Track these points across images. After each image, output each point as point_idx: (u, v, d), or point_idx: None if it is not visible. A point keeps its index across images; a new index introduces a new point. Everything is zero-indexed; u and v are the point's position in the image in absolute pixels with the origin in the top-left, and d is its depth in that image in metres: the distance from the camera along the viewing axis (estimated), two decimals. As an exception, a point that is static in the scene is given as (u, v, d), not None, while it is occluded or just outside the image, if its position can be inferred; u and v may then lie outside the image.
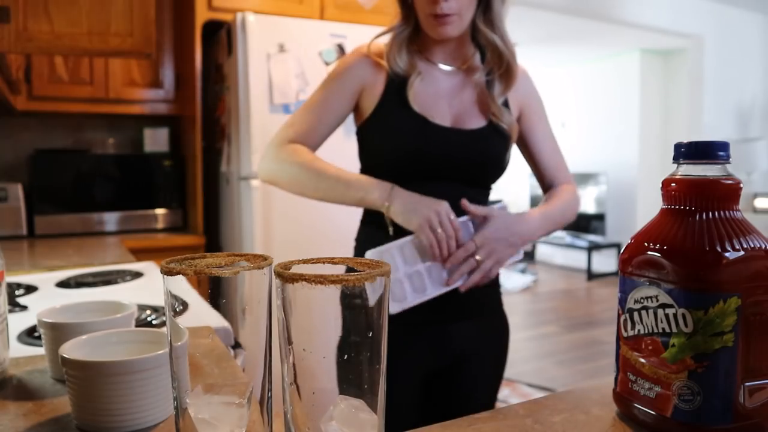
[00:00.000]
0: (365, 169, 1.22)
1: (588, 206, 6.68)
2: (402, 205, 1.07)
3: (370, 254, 1.06)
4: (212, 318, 0.87)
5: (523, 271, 6.51)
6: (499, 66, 1.18)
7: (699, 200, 0.52)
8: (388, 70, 1.17)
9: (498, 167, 1.21)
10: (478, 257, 1.06)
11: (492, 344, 1.25)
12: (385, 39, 1.20)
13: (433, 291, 1.08)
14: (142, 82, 2.73)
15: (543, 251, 7.54)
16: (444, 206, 1.05)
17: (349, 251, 1.25)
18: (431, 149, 1.13)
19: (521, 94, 1.24)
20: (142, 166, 2.80)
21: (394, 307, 1.05)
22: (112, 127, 2.94)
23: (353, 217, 1.30)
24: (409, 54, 1.18)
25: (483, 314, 1.23)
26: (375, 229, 1.16)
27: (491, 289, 1.23)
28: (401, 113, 1.14)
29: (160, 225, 2.78)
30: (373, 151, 1.20)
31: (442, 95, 1.18)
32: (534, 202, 7.38)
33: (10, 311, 1.07)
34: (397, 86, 1.15)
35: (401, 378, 1.13)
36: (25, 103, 2.48)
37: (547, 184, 1.30)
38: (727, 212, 0.52)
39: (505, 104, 1.20)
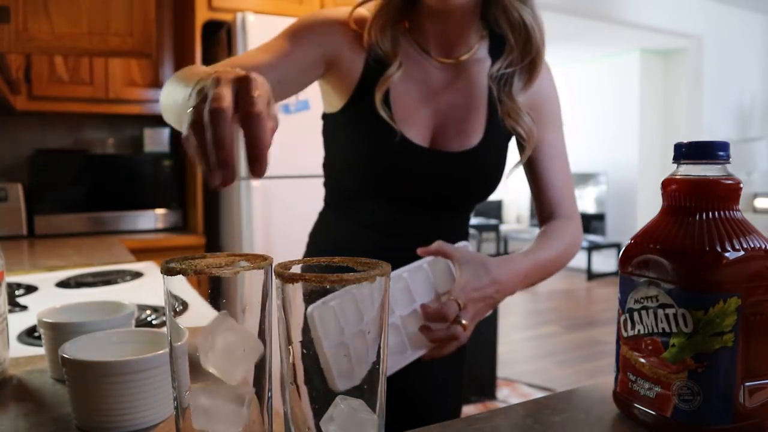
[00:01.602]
0: (326, 171, 1.03)
1: (588, 206, 6.68)
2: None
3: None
4: (212, 318, 0.87)
5: (523, 271, 6.50)
6: (526, 54, 0.91)
7: (699, 200, 0.52)
8: (367, 52, 0.91)
9: (488, 190, 0.98)
10: (464, 321, 0.78)
11: (453, 376, 1.05)
12: (371, 7, 0.92)
13: (412, 355, 0.82)
14: (142, 82, 2.73)
15: (543, 251, 7.53)
16: (223, 82, 0.50)
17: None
18: (399, 172, 0.90)
19: (535, 92, 0.95)
20: (142, 166, 2.80)
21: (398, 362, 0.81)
22: (112, 127, 2.94)
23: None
24: (395, 34, 0.91)
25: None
26: (336, 216, 0.99)
27: None
28: (369, 118, 0.90)
29: (160, 225, 2.78)
30: (333, 155, 1.00)
31: (427, 97, 0.93)
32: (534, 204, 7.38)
33: (10, 311, 1.07)
34: (374, 77, 0.90)
35: None
36: (25, 103, 2.48)
37: (546, 212, 1.01)
38: (727, 212, 0.52)
39: None
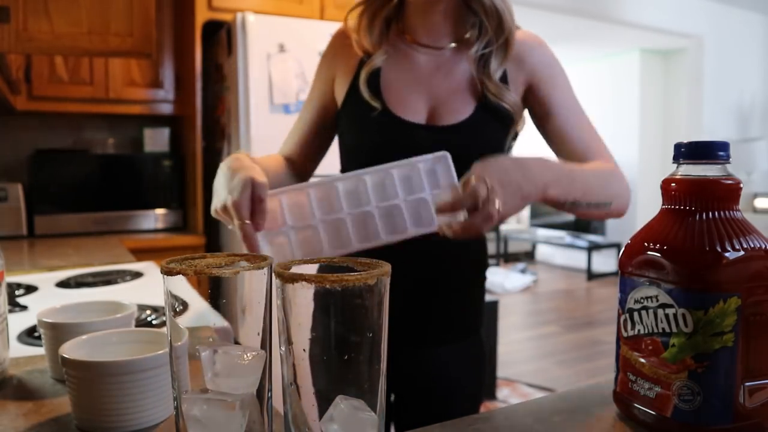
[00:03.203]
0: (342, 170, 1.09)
1: (588, 206, 6.68)
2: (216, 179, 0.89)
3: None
4: (212, 318, 0.87)
5: (523, 271, 6.51)
6: (499, 35, 0.97)
7: (699, 200, 0.52)
8: (363, 53, 1.01)
9: None
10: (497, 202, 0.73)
11: (470, 377, 1.06)
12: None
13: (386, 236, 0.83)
14: (142, 82, 2.73)
15: (543, 251, 7.54)
16: (241, 198, 0.81)
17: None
18: (398, 152, 0.90)
19: (530, 65, 0.99)
20: (142, 166, 2.80)
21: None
22: (112, 127, 2.94)
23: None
24: (383, 31, 1.00)
25: (465, 338, 1.05)
26: None
27: (477, 306, 1.06)
28: (364, 106, 0.97)
29: (160, 225, 2.78)
30: (342, 151, 1.07)
31: (418, 83, 0.99)
32: (534, 204, 7.37)
33: (10, 311, 1.07)
34: (366, 80, 0.99)
35: None
36: (25, 103, 2.48)
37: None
38: (727, 212, 0.52)
39: (503, 81, 0.99)
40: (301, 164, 1.10)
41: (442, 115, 0.98)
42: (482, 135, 0.98)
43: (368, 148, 0.99)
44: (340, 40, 1.05)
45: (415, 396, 1.03)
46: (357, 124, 1.00)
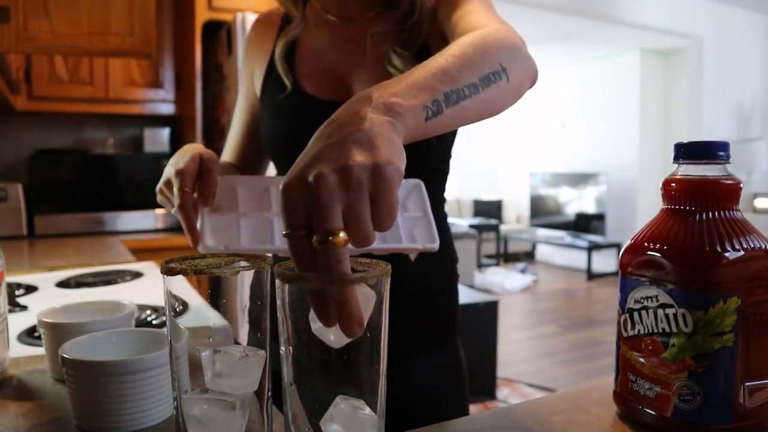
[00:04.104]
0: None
1: (588, 206, 6.69)
2: None
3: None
4: (212, 318, 0.87)
5: (523, 271, 6.51)
6: (412, 13, 0.89)
7: (699, 200, 0.52)
8: (276, 32, 0.96)
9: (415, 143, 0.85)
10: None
11: (450, 386, 0.98)
12: None
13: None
14: (142, 82, 2.73)
15: (543, 251, 7.54)
16: (187, 165, 0.70)
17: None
18: (311, 132, 0.82)
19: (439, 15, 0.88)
20: (142, 166, 2.80)
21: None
22: (112, 127, 2.94)
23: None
24: (300, 4, 0.95)
25: (440, 346, 0.95)
26: None
27: (449, 311, 0.97)
28: (278, 87, 0.91)
29: (160, 225, 2.78)
30: (264, 140, 0.97)
31: (330, 59, 0.93)
32: (534, 202, 7.39)
33: (10, 311, 1.07)
34: (282, 52, 0.93)
35: None
36: (25, 103, 2.48)
37: None
38: (727, 212, 0.52)
39: (425, 51, 0.87)
40: (247, 171, 1.03)
41: (348, 92, 0.89)
42: None
43: (284, 131, 0.90)
44: (254, 30, 1.00)
45: (394, 413, 0.90)
46: (271, 107, 0.93)
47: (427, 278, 0.94)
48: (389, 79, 0.59)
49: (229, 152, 1.03)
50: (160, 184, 0.75)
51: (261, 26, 1.00)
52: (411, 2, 0.89)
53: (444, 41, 0.83)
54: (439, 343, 0.96)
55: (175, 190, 0.68)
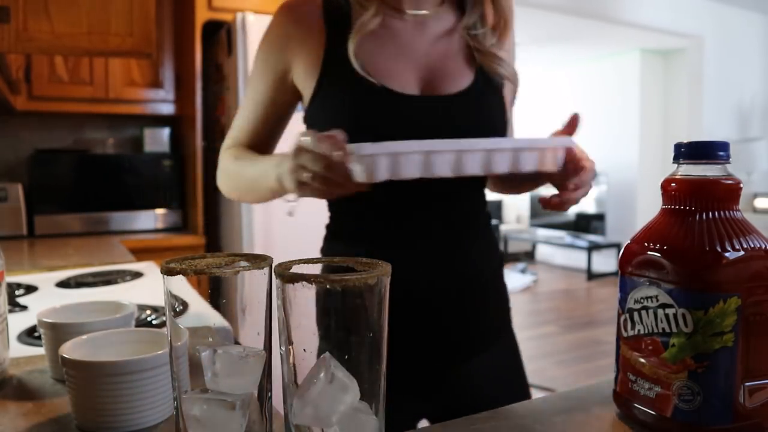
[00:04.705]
0: None
1: (588, 206, 6.69)
2: (285, 168, 0.77)
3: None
4: (212, 318, 0.87)
5: (523, 271, 6.51)
6: (497, 12, 0.93)
7: (699, 200, 0.52)
8: (322, 23, 0.89)
9: (494, 136, 0.89)
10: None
11: (512, 381, 1.00)
12: None
13: None
14: (142, 82, 2.73)
15: (543, 251, 7.54)
16: (305, 139, 0.72)
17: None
18: (394, 129, 0.82)
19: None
20: (142, 166, 2.80)
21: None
22: (112, 127, 2.94)
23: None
24: None
25: (500, 338, 0.97)
26: (344, 245, 0.93)
27: (506, 303, 0.99)
28: (348, 83, 0.85)
29: (160, 225, 2.78)
30: None
31: (404, 52, 0.89)
32: (534, 202, 7.39)
33: (10, 311, 1.07)
34: (341, 44, 0.86)
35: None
36: (25, 103, 2.48)
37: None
38: (727, 212, 0.52)
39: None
40: (257, 151, 1.00)
41: (439, 85, 0.88)
42: (487, 104, 0.90)
43: (361, 129, 0.83)
44: (289, 17, 0.91)
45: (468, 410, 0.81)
46: (343, 104, 0.86)
47: (483, 274, 0.94)
48: (468, 70, 0.89)
49: (240, 133, 1.00)
50: (294, 165, 0.73)
51: (296, 14, 0.91)
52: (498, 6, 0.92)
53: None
54: (502, 333, 0.98)
55: (326, 149, 0.69)
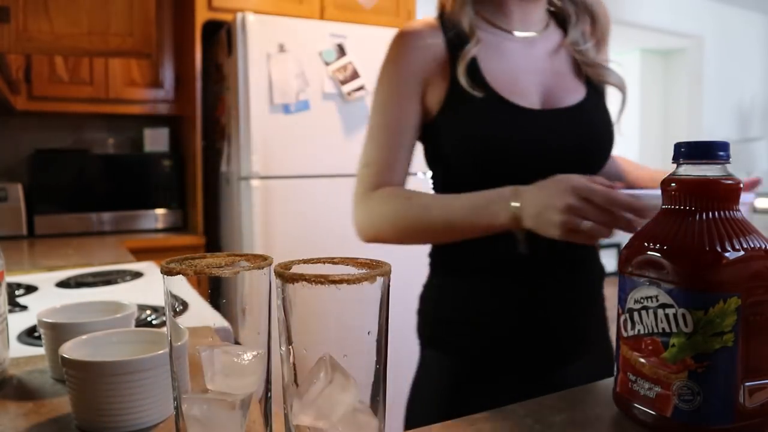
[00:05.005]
0: (438, 180, 1.01)
1: (588, 206, 6.67)
2: (532, 206, 0.77)
3: None
4: (212, 318, 0.87)
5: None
6: (595, 23, 1.00)
7: (699, 200, 0.52)
8: (445, 47, 0.94)
9: (609, 146, 0.96)
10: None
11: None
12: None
13: None
14: (142, 82, 2.73)
15: (543, 251, 7.53)
16: (575, 180, 0.73)
17: (349, 251, 1.23)
18: (521, 142, 0.88)
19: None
20: (142, 166, 2.80)
21: None
22: (112, 127, 2.94)
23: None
24: (471, 16, 0.94)
25: (593, 351, 0.96)
26: (457, 279, 0.95)
27: (604, 312, 1.01)
28: (476, 99, 0.89)
29: (160, 225, 2.78)
30: (447, 156, 0.95)
31: (522, 69, 0.95)
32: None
33: (10, 311, 1.07)
34: (466, 65, 0.91)
35: None
36: (25, 103, 2.48)
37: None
38: (727, 212, 0.52)
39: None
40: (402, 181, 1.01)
41: (558, 98, 0.93)
42: (600, 113, 0.96)
43: (489, 142, 0.89)
44: (416, 41, 0.95)
45: None
46: (473, 118, 0.90)
47: (589, 284, 1.00)
48: (579, 84, 0.97)
49: (383, 168, 0.96)
50: (565, 216, 0.72)
51: (421, 39, 0.95)
52: (588, 15, 1.00)
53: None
54: (599, 342, 1.00)
55: (625, 214, 0.70)
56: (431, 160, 1.00)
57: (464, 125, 0.91)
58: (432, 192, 1.02)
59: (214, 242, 2.69)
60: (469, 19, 0.93)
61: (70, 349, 0.60)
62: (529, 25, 0.98)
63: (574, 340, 0.94)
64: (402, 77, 0.95)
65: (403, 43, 0.96)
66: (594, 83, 0.97)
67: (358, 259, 0.45)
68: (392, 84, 0.96)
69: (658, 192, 0.58)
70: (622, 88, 0.99)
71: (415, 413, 1.00)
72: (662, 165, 6.27)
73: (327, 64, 2.38)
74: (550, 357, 0.93)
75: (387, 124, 0.96)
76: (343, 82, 2.39)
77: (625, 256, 0.56)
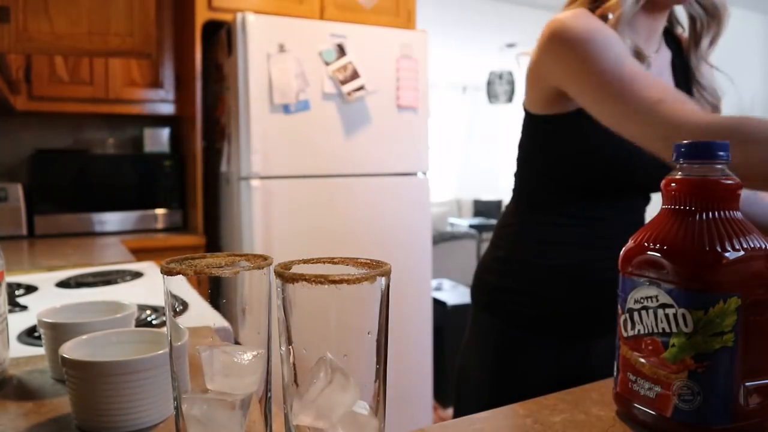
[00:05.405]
0: (548, 169, 1.03)
1: (588, 206, 6.67)
2: None
3: None
4: (212, 318, 0.87)
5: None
6: (713, 28, 1.05)
7: (699, 200, 0.52)
8: None
9: None
10: None
11: None
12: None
13: None
14: (142, 82, 2.73)
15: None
16: None
17: (350, 251, 1.24)
18: (643, 159, 0.88)
19: None
20: (142, 166, 2.80)
21: None
22: (112, 127, 2.94)
23: (354, 216, 1.28)
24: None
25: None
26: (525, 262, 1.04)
27: None
28: None
29: (160, 225, 2.78)
30: (577, 154, 0.98)
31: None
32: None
33: (10, 311, 1.07)
34: None
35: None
36: (25, 103, 2.48)
37: None
38: (727, 212, 0.52)
39: None
40: None
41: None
42: None
43: (618, 153, 0.93)
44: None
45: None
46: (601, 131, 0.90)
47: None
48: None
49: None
50: None
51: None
52: (714, 15, 1.06)
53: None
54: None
55: None
56: (544, 149, 1.03)
57: (603, 131, 0.88)
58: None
59: (214, 242, 2.69)
60: (626, 36, 0.92)
61: (70, 349, 0.60)
62: (651, 44, 1.01)
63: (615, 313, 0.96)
64: (614, 36, 0.90)
65: (595, 20, 0.92)
66: (695, 98, 1.03)
67: (358, 259, 0.45)
68: (611, 43, 0.89)
69: None
70: (718, 107, 1.06)
71: (466, 366, 1.11)
72: (662, 165, 6.28)
73: (327, 64, 2.38)
74: (592, 326, 1.00)
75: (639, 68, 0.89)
76: (343, 82, 2.39)
77: (625, 256, 0.56)
